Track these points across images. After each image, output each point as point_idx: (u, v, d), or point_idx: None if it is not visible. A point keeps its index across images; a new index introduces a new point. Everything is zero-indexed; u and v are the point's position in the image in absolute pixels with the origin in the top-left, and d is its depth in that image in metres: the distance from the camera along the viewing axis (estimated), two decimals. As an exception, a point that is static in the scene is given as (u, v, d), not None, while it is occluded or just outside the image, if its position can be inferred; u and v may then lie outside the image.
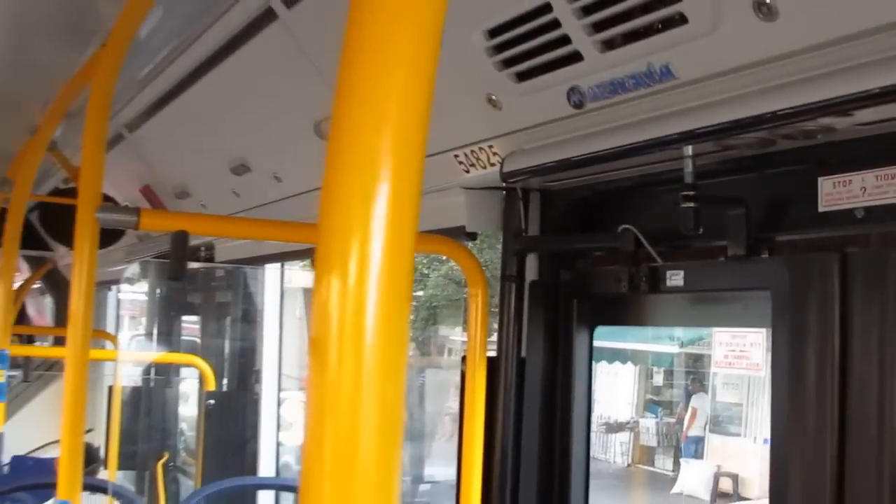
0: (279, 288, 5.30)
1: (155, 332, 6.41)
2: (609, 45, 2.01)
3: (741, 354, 15.82)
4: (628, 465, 19.81)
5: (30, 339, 8.96)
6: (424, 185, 2.55)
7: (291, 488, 4.67)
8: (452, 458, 2.72)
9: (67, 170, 4.87)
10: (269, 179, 3.84)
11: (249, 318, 5.57)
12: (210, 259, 4.96)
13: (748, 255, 2.20)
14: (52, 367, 8.65)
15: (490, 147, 2.63)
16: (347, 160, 0.75)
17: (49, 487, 4.71)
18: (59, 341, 7.75)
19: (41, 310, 10.00)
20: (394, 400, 0.72)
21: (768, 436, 2.20)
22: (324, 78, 3.07)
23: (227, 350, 5.92)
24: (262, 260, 4.92)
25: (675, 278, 2.42)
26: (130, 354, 5.74)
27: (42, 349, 8.13)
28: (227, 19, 3.21)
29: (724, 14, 1.73)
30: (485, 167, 2.70)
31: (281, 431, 5.51)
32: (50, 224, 4.56)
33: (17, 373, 8.16)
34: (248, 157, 3.92)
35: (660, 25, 1.88)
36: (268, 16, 3.00)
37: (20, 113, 5.05)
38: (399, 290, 0.71)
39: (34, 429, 7.01)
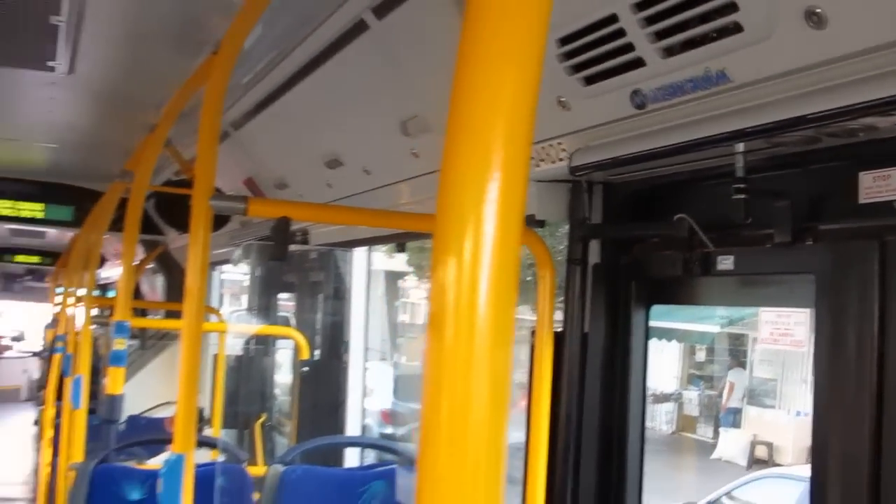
0: (366, 269, 5.36)
1: (255, 307, 6.48)
2: (669, 51, 2.02)
3: (785, 332, 15.64)
4: (672, 433, 19.76)
5: (143, 313, 9.14)
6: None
7: (375, 446, 4.71)
8: (519, 422, 2.73)
9: (180, 163, 4.95)
10: (360, 172, 3.87)
11: (339, 295, 5.62)
12: (305, 242, 5.01)
13: (793, 242, 2.20)
14: (164, 338, 8.82)
15: (559, 144, 2.63)
16: (463, 153, 0.76)
17: (162, 443, 4.82)
18: (171, 315, 7.91)
19: (153, 287, 10.19)
20: (502, 369, 0.74)
21: (801, 408, 2.20)
22: (410, 81, 3.09)
23: (318, 324, 5.98)
24: (351, 244, 4.96)
25: (726, 262, 2.42)
26: (236, 327, 5.82)
27: (158, 321, 8.28)
28: (323, 30, 3.25)
29: (776, 22, 1.72)
30: (554, 162, 2.71)
31: (364, 397, 5.58)
32: (164, 211, 4.64)
33: (135, 342, 8.34)
34: (341, 152, 3.96)
35: (716, 34, 1.88)
36: (360, 27, 3.03)
37: (140, 113, 5.15)
38: (508, 270, 0.72)
39: (148, 392, 7.17)
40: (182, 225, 4.87)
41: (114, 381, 3.82)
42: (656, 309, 2.89)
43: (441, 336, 0.72)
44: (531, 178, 2.92)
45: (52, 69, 4.33)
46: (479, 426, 0.73)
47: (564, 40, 2.27)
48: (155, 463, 4.95)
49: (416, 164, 3.43)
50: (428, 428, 0.74)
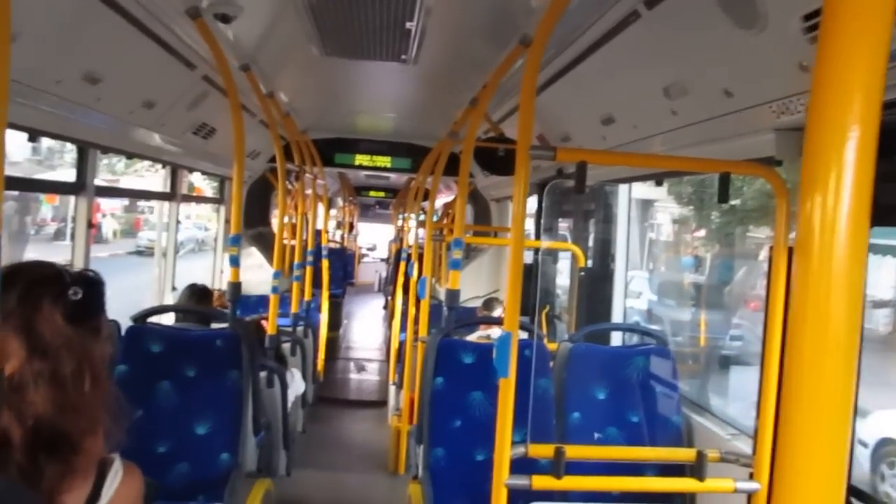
0: (628, 200, 5.28)
1: (542, 229, 6.55)
2: None
3: None
4: (890, 333, 18.23)
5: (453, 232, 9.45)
6: (745, 126, 2.45)
7: (637, 330, 4.68)
8: (754, 322, 2.63)
9: (490, 124, 5.05)
10: (629, 127, 3.82)
11: (607, 219, 5.58)
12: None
13: None
14: (473, 251, 9.13)
15: (798, 99, 2.49)
16: (827, 111, 0.74)
17: (489, 323, 5.01)
18: (477, 234, 8.16)
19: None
20: (857, 284, 0.74)
21: None
22: (672, 56, 3.01)
23: (590, 241, 5.98)
24: (617, 181, 4.91)
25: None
26: (535, 243, 5.92)
27: (484, 238, 8.51)
28: (603, 21, 3.21)
29: None
30: (792, 114, 2.57)
31: (627, 298, 5.53)
32: (477, 159, 4.76)
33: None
34: (614, 111, 3.91)
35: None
36: (634, 15, 2.97)
37: (461, 89, 5.31)
38: (861, 204, 0.72)
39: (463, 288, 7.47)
40: (491, 169, 4.98)
41: (453, 280, 4.02)
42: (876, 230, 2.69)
43: (807, 261, 0.72)
44: (770, 127, 2.78)
45: (403, 61, 4.54)
46: (838, 332, 0.73)
47: (807, 17, 2.14)
48: (474, 337, 5.20)
49: (674, 119, 3.34)
50: (794, 334, 0.75)
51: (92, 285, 1.55)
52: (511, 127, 5.31)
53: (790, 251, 2.72)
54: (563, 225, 7.09)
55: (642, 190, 7.20)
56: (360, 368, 11.01)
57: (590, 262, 5.69)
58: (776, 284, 2.59)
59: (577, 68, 3.80)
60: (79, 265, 4.62)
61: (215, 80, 4.90)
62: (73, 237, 4.68)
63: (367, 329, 13.90)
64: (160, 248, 6.69)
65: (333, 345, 10.64)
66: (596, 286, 5.40)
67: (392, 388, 7.90)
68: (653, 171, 4.03)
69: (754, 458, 2.52)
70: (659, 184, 4.24)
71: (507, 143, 4.72)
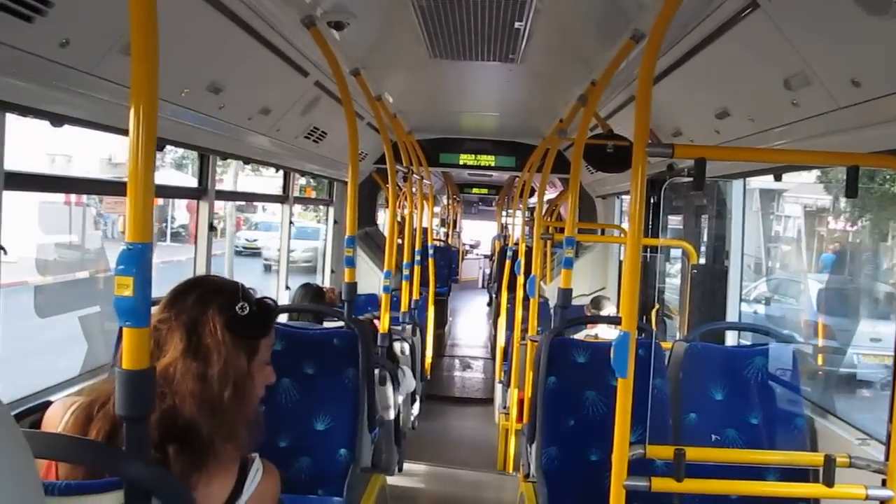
0: (742, 195, 5.12)
1: (658, 227, 6.39)
2: None
3: None
4: None
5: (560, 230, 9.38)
6: (873, 117, 2.35)
7: (757, 330, 4.51)
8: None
9: (599, 121, 4.99)
10: (745, 120, 3.70)
11: (720, 215, 5.42)
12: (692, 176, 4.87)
13: None
14: (581, 247, 9.03)
15: (934, 88, 2.36)
16: None
17: (600, 321, 4.95)
18: (581, 231, 8.05)
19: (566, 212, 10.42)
20: None
21: None
22: (794, 46, 2.90)
23: (703, 237, 5.83)
24: (732, 176, 4.76)
25: None
26: (650, 240, 5.79)
27: (596, 237, 8.42)
28: (721, 10, 3.13)
29: None
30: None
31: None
32: (587, 156, 4.70)
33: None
34: (729, 106, 3.80)
35: None
36: (753, 5, 2.88)
37: (568, 86, 5.27)
38: None
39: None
40: (600, 166, 4.91)
41: (565, 279, 4.00)
42: None
43: None
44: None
45: (511, 60, 4.54)
46: None
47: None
48: (581, 336, 5.15)
49: (794, 111, 3.22)
50: None
51: (263, 309, 1.67)
52: (618, 122, 5.23)
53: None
54: (674, 221, 6.93)
55: (768, 178, 6.83)
56: (466, 366, 11.09)
57: (702, 260, 5.55)
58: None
59: (691, 61, 3.71)
60: (201, 265, 4.86)
61: (326, 86, 5.04)
62: (172, 237, 4.91)
63: (472, 326, 13.96)
64: (284, 249, 6.92)
65: (439, 342, 10.76)
66: (708, 284, 5.25)
67: (499, 387, 7.93)
68: (772, 165, 3.88)
69: (887, 464, 2.40)
70: (778, 178, 4.08)
71: (617, 140, 4.65)
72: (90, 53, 2.73)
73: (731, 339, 5.15)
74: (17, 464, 0.63)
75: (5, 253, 2.74)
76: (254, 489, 1.58)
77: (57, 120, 2.80)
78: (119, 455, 1.41)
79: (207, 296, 1.62)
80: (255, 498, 1.58)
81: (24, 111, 2.63)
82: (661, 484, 2.36)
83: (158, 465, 1.46)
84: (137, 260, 1.39)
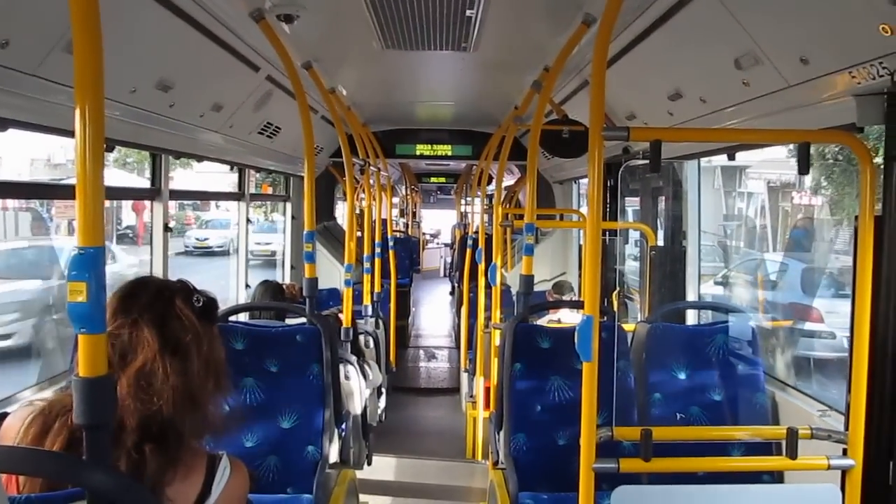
0: (697, 175, 5.17)
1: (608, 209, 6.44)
2: None
3: None
4: None
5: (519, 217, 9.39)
6: (823, 94, 2.38)
7: (719, 308, 4.57)
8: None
9: (554, 107, 5.00)
10: (696, 102, 3.73)
11: (676, 196, 5.46)
12: (648, 158, 4.90)
13: None
14: (547, 233, 9.06)
15: (880, 63, 2.40)
16: None
17: (563, 306, 4.96)
18: (542, 217, 8.08)
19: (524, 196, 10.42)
20: None
21: None
22: (743, 26, 2.93)
23: (660, 218, 5.87)
24: (686, 157, 4.81)
25: None
26: (608, 224, 5.80)
27: (555, 222, 8.41)
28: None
29: None
30: (874, 78, 2.48)
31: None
32: (543, 142, 4.70)
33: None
34: (681, 87, 3.83)
35: None
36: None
37: (522, 74, 5.26)
38: None
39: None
40: (556, 151, 4.92)
41: (527, 265, 4.01)
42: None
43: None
44: (850, 93, 2.69)
45: (464, 49, 4.52)
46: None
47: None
48: (544, 321, 5.17)
49: (745, 91, 3.26)
50: (885, 304, 0.73)
51: (210, 300, 1.64)
52: (573, 108, 5.25)
53: (877, 220, 2.64)
54: (631, 203, 6.99)
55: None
56: (431, 356, 11.09)
57: (660, 242, 5.60)
58: (863, 254, 2.50)
59: (642, 44, 3.73)
60: (157, 265, 4.78)
61: (279, 80, 4.97)
62: (118, 239, 4.82)
63: (435, 316, 13.96)
64: (242, 247, 6.84)
65: (403, 334, 10.74)
66: (667, 265, 5.31)
67: (464, 376, 7.94)
68: (725, 144, 3.93)
69: (847, 433, 2.45)
70: (731, 158, 4.13)
71: (573, 125, 4.67)
72: (32, 54, 2.65)
73: (691, 318, 5.22)
74: None
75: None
76: (223, 487, 1.56)
77: (1, 124, 2.72)
78: (81, 464, 1.37)
79: (165, 292, 1.59)
80: (225, 495, 1.56)
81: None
82: (629, 464, 2.39)
83: (121, 472, 1.43)
84: (90, 264, 1.36)
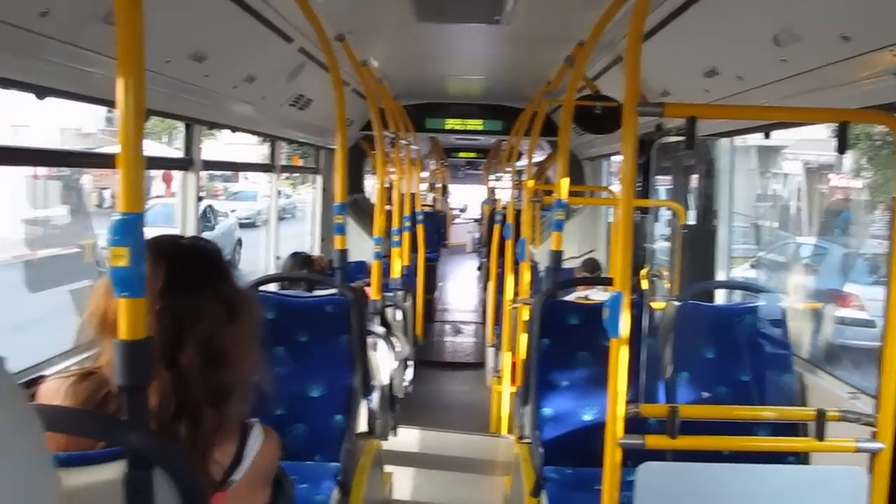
0: (730, 151, 5.10)
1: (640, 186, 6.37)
2: None
3: None
4: None
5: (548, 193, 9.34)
6: (863, 72, 2.34)
7: (750, 288, 4.54)
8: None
9: (587, 83, 4.95)
10: (733, 79, 3.69)
11: (709, 175, 5.40)
12: (682, 134, 4.85)
13: None
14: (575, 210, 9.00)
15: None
16: None
17: (595, 283, 4.93)
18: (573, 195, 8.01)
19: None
20: None
21: None
22: (783, 3, 2.88)
23: (692, 197, 5.82)
24: (721, 135, 4.75)
25: None
26: (640, 201, 5.73)
27: (589, 199, 8.36)
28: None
29: None
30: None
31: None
32: (575, 118, 4.66)
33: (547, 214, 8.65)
34: (718, 64, 3.78)
35: None
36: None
37: (555, 47, 5.20)
38: None
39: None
40: (588, 128, 4.89)
41: (556, 241, 4.00)
42: None
43: None
44: (891, 72, 2.64)
45: (496, 22, 4.50)
46: None
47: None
48: (573, 298, 5.16)
49: (783, 68, 3.21)
50: None
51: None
52: (605, 84, 5.20)
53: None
54: (662, 181, 6.92)
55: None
56: (457, 331, 11.13)
57: (690, 220, 5.56)
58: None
59: (678, 19, 3.68)
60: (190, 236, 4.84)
61: (311, 52, 4.98)
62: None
63: (462, 291, 13.98)
64: (273, 219, 6.89)
65: (429, 307, 10.78)
66: (697, 244, 5.27)
67: (490, 350, 7.97)
68: (762, 122, 3.88)
69: (878, 417, 2.44)
70: (766, 136, 4.07)
71: (606, 101, 4.63)
72: (71, 23, 2.68)
73: (719, 299, 5.19)
74: (32, 436, 0.64)
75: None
76: (255, 454, 1.59)
77: (41, 92, 2.76)
78: (120, 425, 1.41)
79: (215, 255, 1.62)
80: (257, 462, 1.59)
81: (6, 84, 2.59)
82: (655, 441, 2.39)
83: (158, 434, 1.47)
84: (131, 230, 1.38)
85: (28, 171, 12.78)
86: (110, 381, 1.49)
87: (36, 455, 0.65)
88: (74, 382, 1.56)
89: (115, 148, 1.45)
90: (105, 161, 3.88)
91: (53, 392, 1.56)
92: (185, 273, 1.55)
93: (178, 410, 1.47)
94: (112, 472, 1.40)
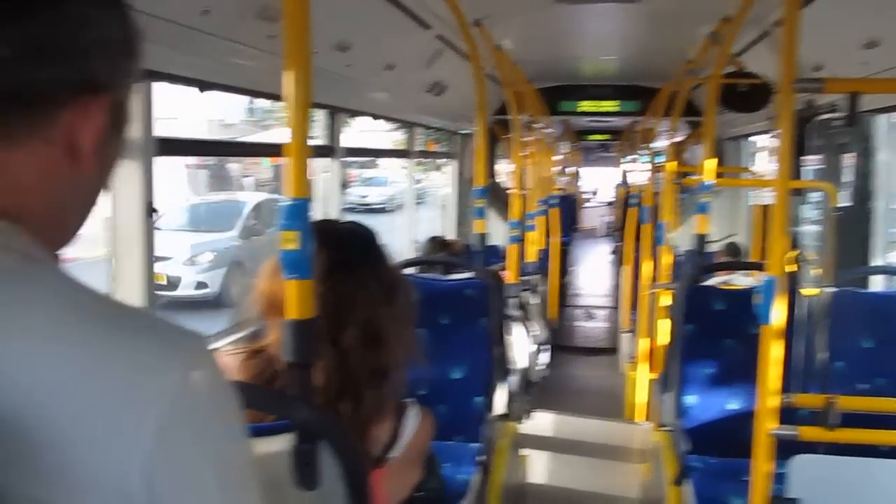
0: (887, 128, 4.78)
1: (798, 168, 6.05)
2: None
3: None
4: None
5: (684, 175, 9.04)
6: None
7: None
8: None
9: (731, 60, 4.77)
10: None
11: (865, 154, 5.10)
12: (836, 111, 4.59)
13: None
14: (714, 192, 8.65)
15: None
16: None
17: (747, 268, 4.75)
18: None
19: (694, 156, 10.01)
20: None
21: None
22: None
23: (844, 178, 5.50)
24: (877, 111, 4.46)
25: None
26: (793, 183, 5.48)
27: (738, 181, 8.11)
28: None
29: None
30: None
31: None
32: (720, 98, 4.50)
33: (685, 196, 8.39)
34: (880, 34, 3.55)
35: None
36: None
37: (694, 24, 5.04)
38: None
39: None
40: (733, 106, 4.70)
41: (701, 224, 3.90)
42: None
43: None
44: None
45: (637, 0, 4.40)
46: None
47: None
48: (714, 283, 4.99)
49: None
50: None
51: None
52: (748, 60, 4.98)
53: None
54: (809, 161, 6.57)
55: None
56: (589, 316, 11.02)
57: (842, 202, 5.25)
58: None
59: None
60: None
61: (448, 38, 5.03)
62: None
63: (594, 275, 13.81)
64: (410, 205, 7.06)
65: (562, 292, 10.72)
66: (849, 227, 4.98)
67: (624, 336, 7.85)
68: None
69: None
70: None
71: (751, 78, 4.44)
72: (228, 19, 2.83)
73: (875, 285, 4.90)
74: (237, 407, 0.71)
75: (157, 214, 2.92)
76: (411, 433, 1.65)
77: (203, 86, 2.94)
78: (291, 401, 1.50)
79: (371, 237, 1.68)
80: (413, 441, 1.65)
81: (173, 79, 2.78)
82: (809, 432, 2.30)
83: (325, 410, 1.55)
84: (300, 215, 1.46)
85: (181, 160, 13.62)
86: (277, 359, 1.58)
87: (241, 424, 0.71)
88: (245, 359, 1.67)
89: (257, 137, 1.53)
90: (272, 150, 4.06)
91: (228, 368, 1.67)
92: (345, 256, 1.61)
93: (341, 389, 1.55)
94: (280, 444, 1.49)
